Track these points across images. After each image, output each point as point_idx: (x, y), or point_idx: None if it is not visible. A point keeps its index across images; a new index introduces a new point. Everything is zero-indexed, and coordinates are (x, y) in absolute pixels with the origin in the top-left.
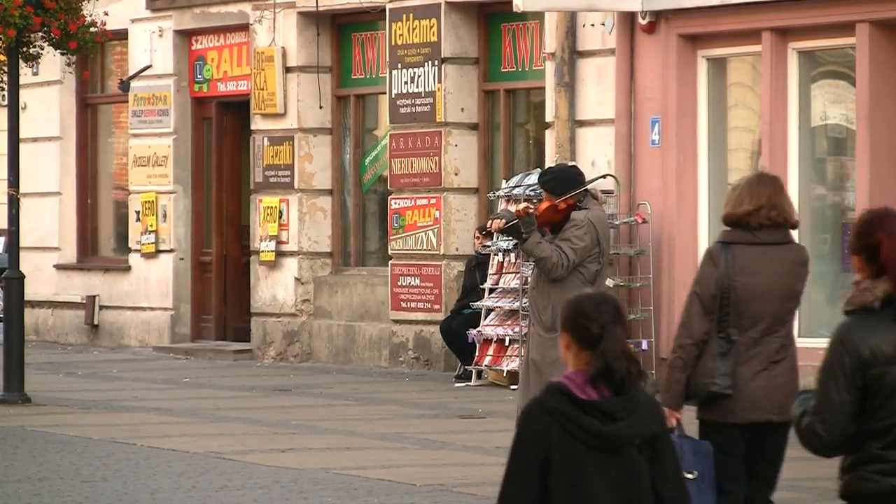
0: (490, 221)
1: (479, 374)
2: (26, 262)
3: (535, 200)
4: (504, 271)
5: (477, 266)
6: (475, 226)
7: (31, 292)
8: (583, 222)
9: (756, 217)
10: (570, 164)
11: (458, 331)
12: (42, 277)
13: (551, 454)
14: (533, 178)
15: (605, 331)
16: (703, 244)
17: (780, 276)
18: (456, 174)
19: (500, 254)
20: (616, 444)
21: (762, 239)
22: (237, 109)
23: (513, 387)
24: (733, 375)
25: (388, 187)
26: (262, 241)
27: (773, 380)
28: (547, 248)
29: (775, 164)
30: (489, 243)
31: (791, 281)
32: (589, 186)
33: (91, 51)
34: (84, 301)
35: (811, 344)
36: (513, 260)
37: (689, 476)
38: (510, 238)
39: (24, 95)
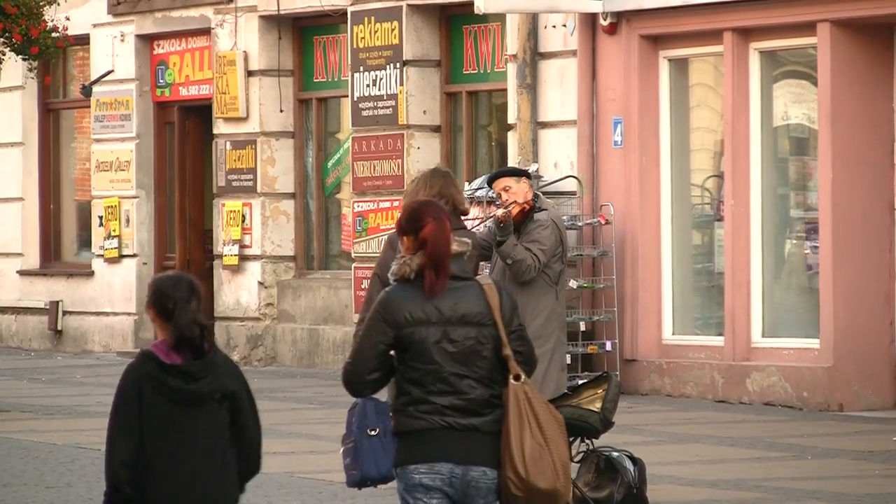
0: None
1: None
2: None
3: (497, 203)
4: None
5: None
6: None
7: None
8: (547, 223)
9: None
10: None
11: None
12: (5, 283)
13: (144, 409)
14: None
15: (177, 306)
16: (667, 244)
17: None
18: None
19: None
20: (198, 399)
21: None
22: (199, 113)
23: None
24: None
25: (351, 190)
26: (225, 245)
27: None
28: (522, 251)
29: (737, 164)
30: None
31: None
32: (552, 188)
33: (53, 56)
34: (47, 306)
35: (775, 344)
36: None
37: (372, 433)
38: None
39: None
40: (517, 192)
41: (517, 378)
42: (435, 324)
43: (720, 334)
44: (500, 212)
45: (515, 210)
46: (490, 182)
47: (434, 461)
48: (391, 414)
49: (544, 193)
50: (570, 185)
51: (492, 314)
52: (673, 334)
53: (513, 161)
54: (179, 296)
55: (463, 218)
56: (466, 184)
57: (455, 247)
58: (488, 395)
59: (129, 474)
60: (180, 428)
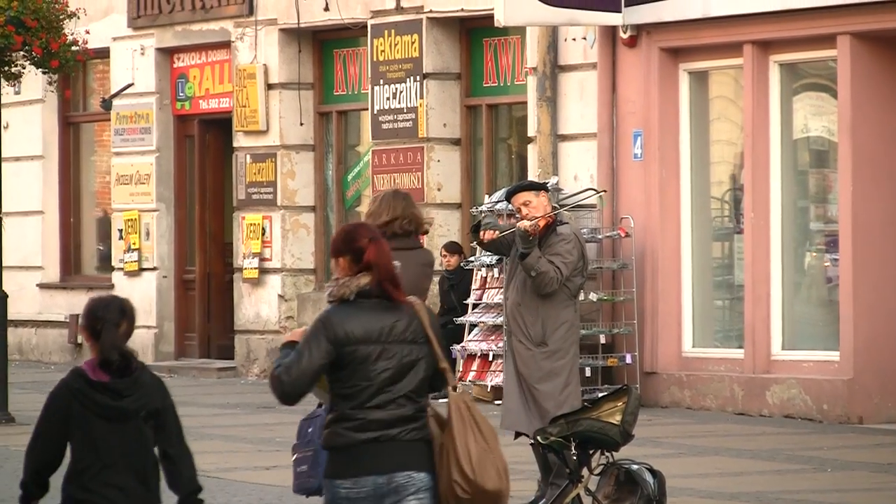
0: (482, 232)
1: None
2: (9, 282)
3: (516, 216)
4: (487, 286)
5: (451, 288)
6: (460, 241)
7: (13, 311)
8: (570, 237)
9: (391, 226)
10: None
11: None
12: (25, 296)
13: (72, 423)
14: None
15: (104, 328)
16: (687, 257)
17: (409, 275)
18: (438, 189)
19: (483, 269)
20: (124, 416)
21: (395, 245)
22: (219, 127)
23: (497, 402)
24: None
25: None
26: (245, 258)
27: None
28: (546, 264)
29: (757, 176)
30: (472, 258)
31: (419, 279)
32: (574, 201)
33: (73, 69)
34: (67, 320)
35: (795, 357)
36: (496, 275)
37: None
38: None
39: (6, 114)
40: (537, 206)
41: (455, 389)
42: (375, 342)
43: (740, 347)
44: (527, 224)
45: (542, 224)
46: (509, 196)
47: (358, 476)
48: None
49: (564, 206)
50: (590, 196)
51: (425, 331)
52: (693, 347)
53: (532, 174)
54: (108, 318)
55: (471, 234)
56: (486, 197)
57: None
58: (414, 410)
59: (40, 483)
60: (107, 443)
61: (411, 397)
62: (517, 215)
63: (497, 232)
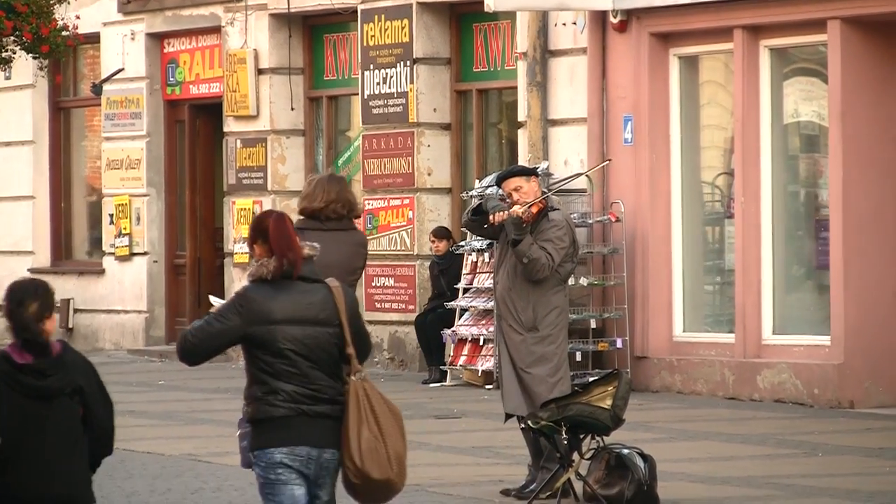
0: (493, 215)
1: (444, 375)
2: (0, 266)
3: (507, 201)
4: (478, 271)
5: (441, 273)
6: (451, 226)
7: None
8: (562, 223)
9: (326, 210)
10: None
11: (432, 328)
12: None
13: (3, 405)
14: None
15: (15, 308)
16: (678, 241)
17: (343, 255)
18: (429, 174)
19: (473, 253)
20: (49, 394)
21: (329, 226)
22: (210, 112)
23: (487, 386)
24: None
25: (362, 188)
26: (235, 243)
27: None
28: (537, 250)
29: (748, 161)
30: (462, 243)
31: (352, 259)
32: (564, 185)
33: (63, 54)
34: (58, 305)
35: (786, 341)
36: (486, 260)
37: None
38: (483, 237)
39: None
40: (528, 191)
41: (357, 374)
42: (288, 322)
43: (731, 331)
44: (520, 210)
45: (535, 210)
46: (499, 181)
47: (294, 445)
48: (247, 402)
49: (553, 190)
50: (580, 182)
51: (339, 315)
52: (683, 331)
53: (523, 159)
54: (18, 299)
55: (471, 217)
56: (476, 181)
57: (306, 251)
58: (335, 392)
59: None
60: (36, 421)
61: (331, 375)
62: (507, 200)
63: (505, 213)
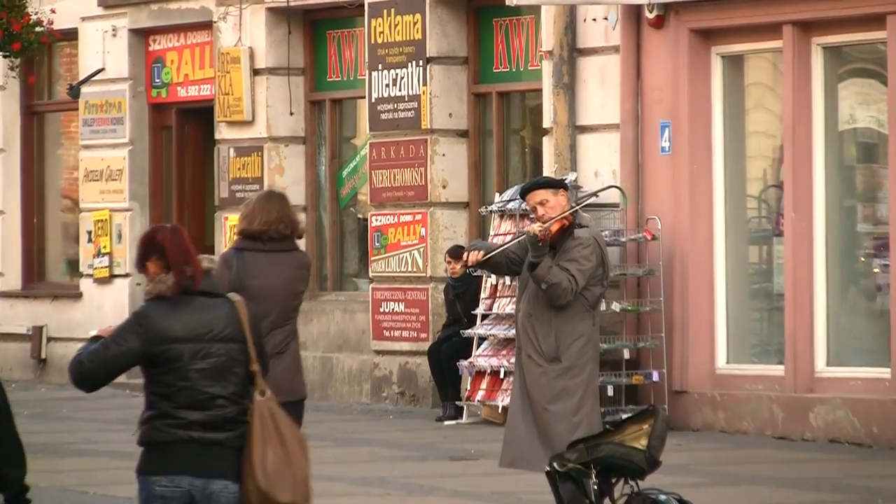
0: (465, 254)
1: (460, 411)
2: None
3: (530, 216)
4: (498, 295)
5: (457, 297)
6: (467, 244)
7: None
8: (588, 241)
9: (267, 230)
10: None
11: (447, 359)
12: None
13: None
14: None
15: None
16: (720, 262)
17: (285, 278)
18: (444, 187)
19: (493, 276)
20: None
21: (270, 247)
22: (200, 117)
23: None
24: None
25: (369, 202)
26: None
27: (278, 366)
28: (559, 273)
29: (799, 172)
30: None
31: (295, 283)
32: (590, 199)
33: (37, 52)
34: (30, 332)
35: (842, 373)
36: (507, 283)
37: None
38: (485, 271)
39: None
40: (555, 205)
41: (263, 394)
42: (190, 341)
43: (780, 363)
44: (536, 227)
45: (555, 228)
46: (523, 194)
47: (175, 474)
48: (138, 426)
49: (581, 205)
50: (613, 196)
51: (243, 331)
52: (727, 363)
53: (548, 169)
54: None
55: (493, 234)
56: (497, 195)
57: (205, 263)
58: (237, 412)
59: None
60: None
61: (233, 399)
62: (531, 216)
63: (482, 252)
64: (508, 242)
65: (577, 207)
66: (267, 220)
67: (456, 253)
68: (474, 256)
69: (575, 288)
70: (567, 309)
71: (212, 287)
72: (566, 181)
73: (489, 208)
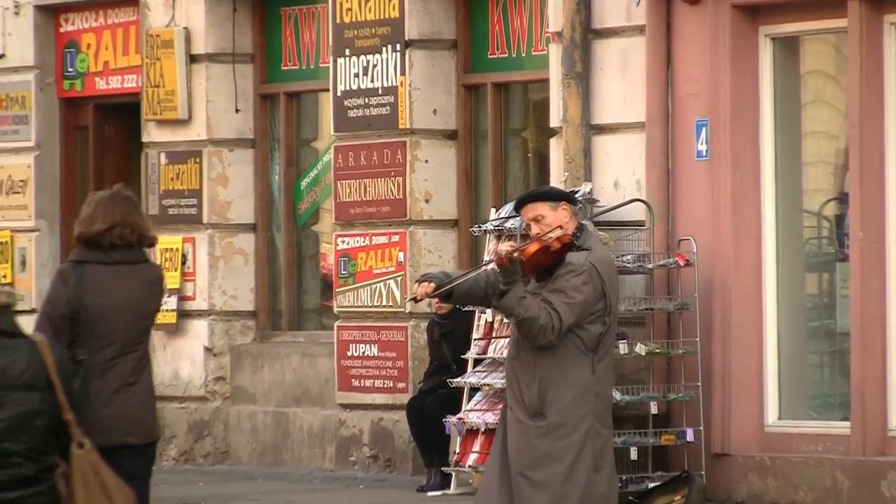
0: (415, 285)
1: (448, 479)
2: None
3: (531, 236)
4: (494, 335)
5: (443, 338)
6: (454, 271)
7: None
8: (582, 267)
9: (109, 236)
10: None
11: (431, 414)
12: None
13: None
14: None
15: None
16: (771, 293)
17: (133, 295)
18: (426, 201)
19: (488, 311)
20: None
21: (114, 258)
22: (123, 114)
23: None
24: (84, 397)
25: (333, 220)
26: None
27: (128, 401)
28: (533, 306)
29: (868, 182)
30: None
31: (145, 300)
32: (612, 215)
33: None
34: None
35: None
36: (506, 320)
37: None
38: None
39: None
40: (552, 222)
41: (81, 446)
42: None
43: (845, 419)
44: (502, 247)
45: (532, 249)
46: (517, 207)
47: None
48: None
49: (600, 224)
50: (637, 212)
51: (49, 375)
52: (779, 419)
53: (557, 179)
54: None
55: (487, 259)
56: (492, 211)
57: (2, 298)
58: (35, 470)
59: None
60: None
61: (32, 455)
62: (530, 234)
63: (431, 284)
64: (471, 270)
65: (588, 227)
66: (110, 221)
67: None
68: (423, 290)
69: (557, 325)
70: (556, 352)
71: (10, 325)
72: (579, 193)
73: (483, 227)
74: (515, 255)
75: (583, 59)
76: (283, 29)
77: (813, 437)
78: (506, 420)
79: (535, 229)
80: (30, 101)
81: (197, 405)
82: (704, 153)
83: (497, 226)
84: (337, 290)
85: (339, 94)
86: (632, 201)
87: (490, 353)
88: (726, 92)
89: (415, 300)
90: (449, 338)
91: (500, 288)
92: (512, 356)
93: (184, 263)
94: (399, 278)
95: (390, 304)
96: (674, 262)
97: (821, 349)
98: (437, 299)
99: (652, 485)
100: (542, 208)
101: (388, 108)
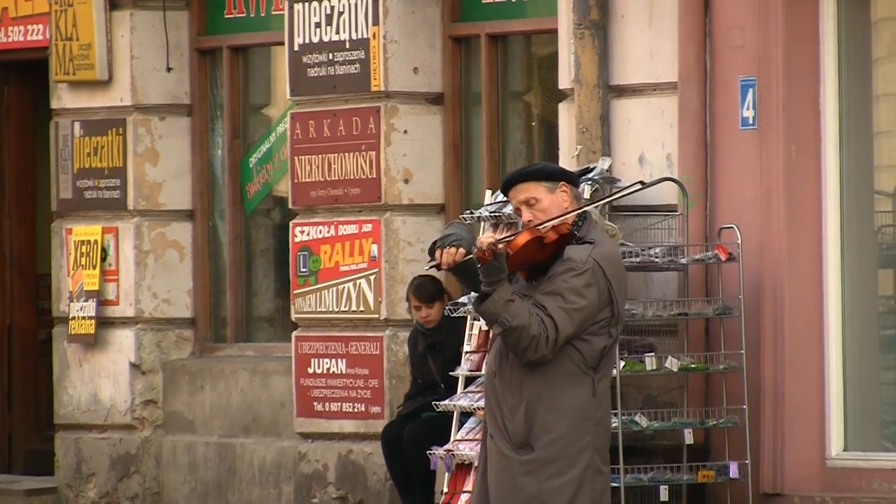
0: (438, 251)
1: None
2: None
3: (512, 223)
4: (489, 348)
5: (428, 349)
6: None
7: None
8: (584, 265)
9: None
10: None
11: (413, 445)
12: None
13: None
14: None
15: None
16: (834, 295)
17: None
18: (406, 181)
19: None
20: None
21: None
22: (26, 74)
23: None
24: None
25: (290, 206)
26: (72, 300)
27: None
28: (523, 312)
29: None
30: (464, 299)
31: None
32: (635, 198)
33: None
34: None
35: None
36: (485, 327)
37: None
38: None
39: None
40: (548, 207)
41: None
42: None
43: None
44: (484, 238)
45: (521, 240)
46: (504, 189)
47: None
48: None
49: (621, 209)
50: (667, 194)
51: None
52: (845, 450)
53: (567, 153)
54: None
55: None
56: (488, 193)
57: None
58: None
59: None
60: None
61: None
62: (519, 221)
63: (460, 248)
64: (508, 235)
65: (591, 207)
66: None
67: (427, 290)
68: (452, 254)
69: (552, 336)
70: (548, 369)
71: None
72: (594, 171)
73: (476, 213)
74: (500, 247)
75: (599, 4)
76: None
77: (887, 473)
78: (486, 453)
79: (526, 215)
80: None
81: (121, 435)
82: (751, 120)
83: (493, 212)
84: (295, 291)
85: (296, 48)
86: (661, 180)
87: (484, 369)
88: (778, 44)
89: (437, 268)
90: (436, 351)
91: (482, 289)
92: (492, 372)
93: (104, 260)
94: (372, 277)
95: (361, 308)
96: (713, 257)
97: (894, 365)
98: (420, 308)
99: None
100: (535, 189)
101: (357, 65)
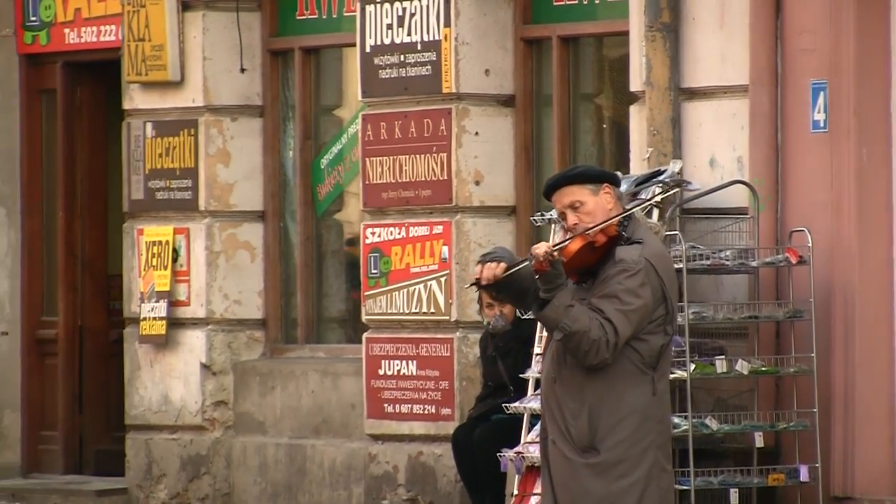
0: (479, 267)
1: None
2: None
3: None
4: (543, 352)
5: (498, 353)
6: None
7: None
8: (637, 265)
9: None
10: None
11: (483, 447)
12: None
13: None
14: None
15: None
16: None
17: None
18: (476, 183)
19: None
20: None
21: None
22: (99, 75)
23: None
24: None
25: (361, 207)
26: (143, 301)
27: None
28: (582, 317)
29: None
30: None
31: None
32: (707, 200)
33: None
34: None
35: None
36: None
37: None
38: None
39: None
40: (593, 210)
41: None
42: None
43: None
44: (540, 248)
45: (575, 246)
46: (549, 193)
47: None
48: None
49: (691, 212)
50: (738, 197)
51: None
52: None
53: (638, 155)
54: None
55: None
56: None
57: None
58: None
59: None
60: None
61: None
62: (563, 225)
63: (501, 263)
64: (560, 242)
65: (632, 210)
66: None
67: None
68: (490, 271)
69: (613, 339)
70: (607, 371)
71: None
72: (665, 173)
73: (546, 216)
74: (556, 254)
75: (671, 6)
76: None
77: None
78: (548, 457)
79: (571, 219)
80: None
81: (192, 436)
82: (822, 124)
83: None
84: (366, 293)
85: (367, 49)
86: (732, 183)
87: None
88: (849, 47)
89: (477, 285)
90: (506, 353)
91: (541, 296)
92: (552, 378)
93: (175, 260)
94: (443, 279)
95: (432, 310)
96: (784, 260)
97: None
98: (492, 306)
99: None
100: (579, 193)
101: (428, 67)
